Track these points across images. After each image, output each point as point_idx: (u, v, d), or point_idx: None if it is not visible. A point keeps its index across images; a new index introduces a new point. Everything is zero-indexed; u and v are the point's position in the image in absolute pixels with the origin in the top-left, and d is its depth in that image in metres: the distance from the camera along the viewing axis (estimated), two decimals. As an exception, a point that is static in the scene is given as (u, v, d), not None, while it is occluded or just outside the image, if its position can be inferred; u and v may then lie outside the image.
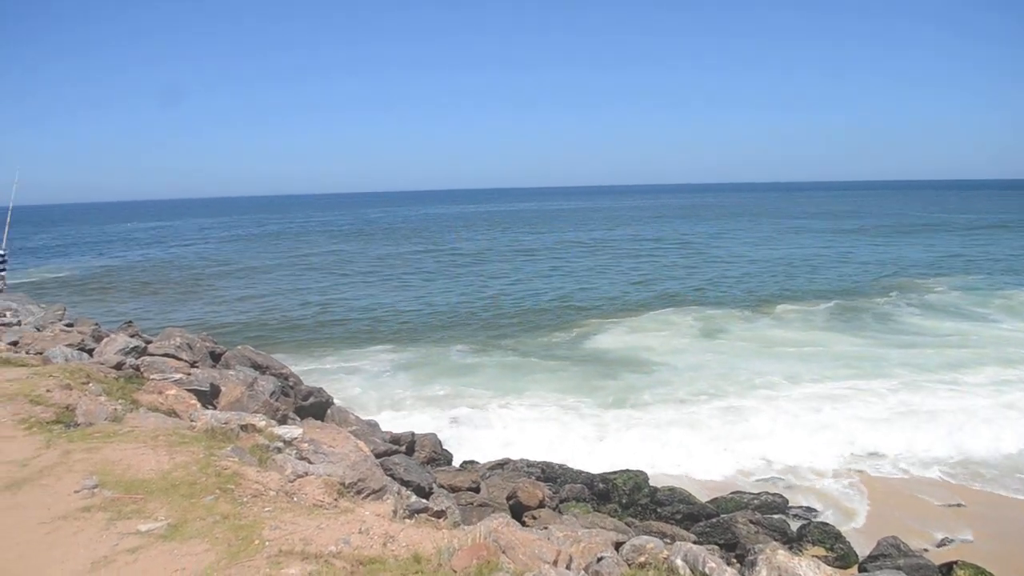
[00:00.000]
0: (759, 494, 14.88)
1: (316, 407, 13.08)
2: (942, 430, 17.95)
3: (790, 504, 14.74)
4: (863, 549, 12.72)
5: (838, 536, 13.09)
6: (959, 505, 14.76)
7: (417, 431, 17.96)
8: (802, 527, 13.51)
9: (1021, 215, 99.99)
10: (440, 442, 15.17)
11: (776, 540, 12.73)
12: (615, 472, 15.02)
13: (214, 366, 13.86)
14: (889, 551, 12.24)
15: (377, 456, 11.26)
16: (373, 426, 13.29)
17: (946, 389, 21.40)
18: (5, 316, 16.17)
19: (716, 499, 14.83)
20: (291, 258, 62.93)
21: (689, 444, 17.04)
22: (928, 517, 14.24)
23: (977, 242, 63.96)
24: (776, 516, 14.02)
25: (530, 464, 14.93)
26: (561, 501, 13.76)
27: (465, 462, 15.55)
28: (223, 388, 11.58)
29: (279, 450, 8.51)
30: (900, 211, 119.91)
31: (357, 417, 13.53)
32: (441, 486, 12.39)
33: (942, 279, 42.74)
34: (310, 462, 8.24)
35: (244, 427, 9.13)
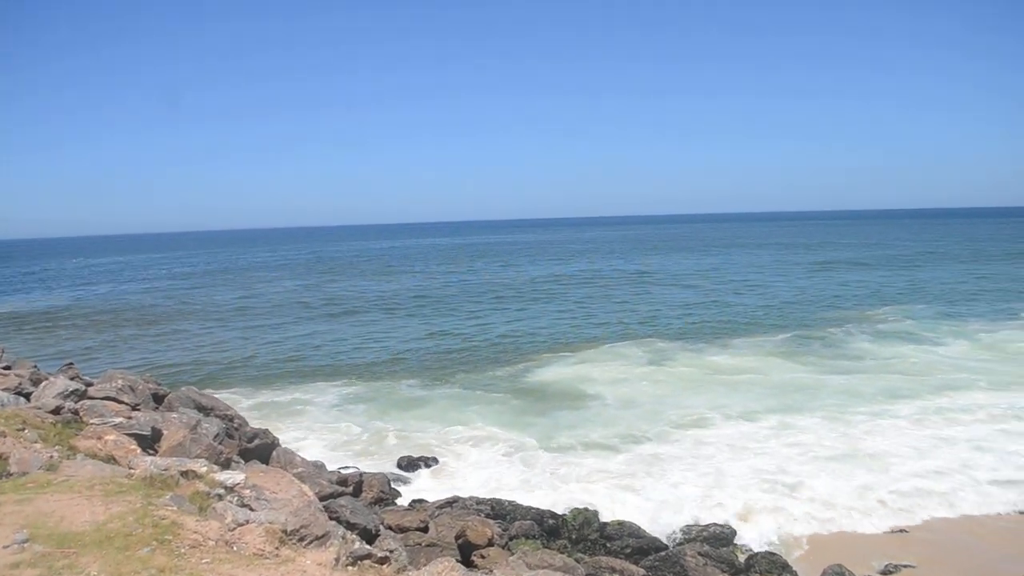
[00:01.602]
0: (708, 526, 14.99)
1: (261, 449, 12.91)
2: (874, 463, 18.19)
3: (738, 535, 14.85)
4: (809, 579, 12.89)
5: (785, 566, 13.27)
6: (902, 531, 15.05)
7: (367, 469, 17.86)
8: (749, 558, 13.66)
9: (990, 245, 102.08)
10: (388, 481, 15.03)
11: (724, 572, 12.86)
12: (565, 508, 15.04)
13: (157, 408, 13.61)
14: (834, 579, 12.43)
15: (323, 499, 11.14)
16: (319, 467, 13.15)
17: (877, 419, 21.81)
18: (-61, 359, 15.70)
19: (667, 532, 14.91)
20: (243, 294, 61.84)
21: (606, 493, 16.84)
22: (871, 545, 14.47)
23: (947, 272, 65.42)
24: (724, 548, 14.14)
25: (479, 501, 14.84)
26: (511, 538, 13.69)
27: (414, 501, 15.43)
28: (165, 432, 11.39)
29: (220, 497, 8.39)
30: (877, 241, 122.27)
31: (303, 459, 13.38)
32: (389, 527, 12.28)
33: (901, 307, 43.93)
34: (252, 509, 8.13)
35: (184, 473, 8.99)
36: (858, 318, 40.45)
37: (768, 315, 42.84)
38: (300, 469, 12.17)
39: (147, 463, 9.07)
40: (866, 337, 34.64)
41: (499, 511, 14.83)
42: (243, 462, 11.70)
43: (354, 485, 13.67)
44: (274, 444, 13.16)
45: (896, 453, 18.80)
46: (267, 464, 12.14)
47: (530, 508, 15.06)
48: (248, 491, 8.46)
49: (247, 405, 25.13)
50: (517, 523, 14.28)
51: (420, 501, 15.52)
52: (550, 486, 17.14)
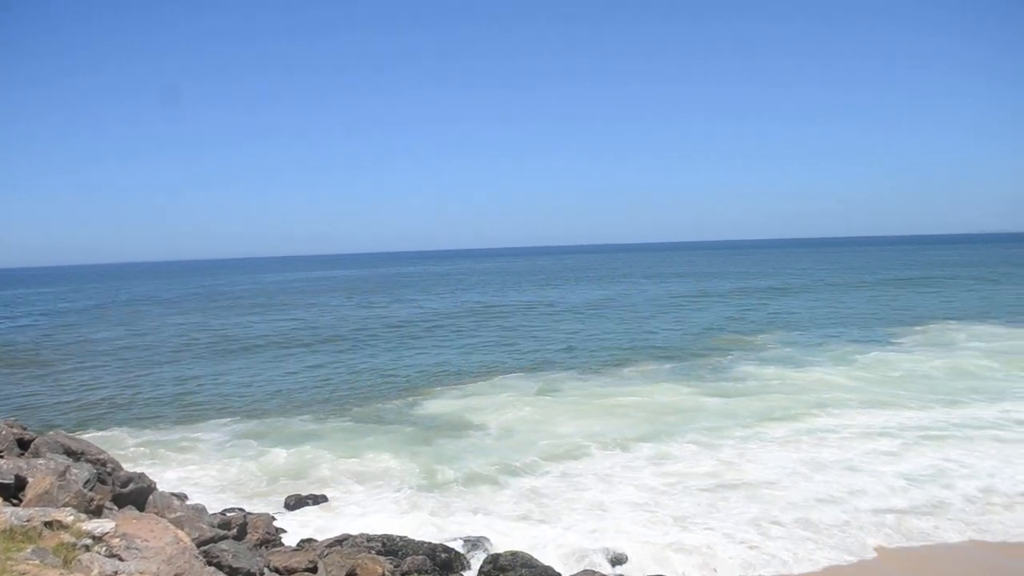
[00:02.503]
0: (599, 550, 15.13)
1: (136, 494, 12.34)
2: (755, 491, 18.39)
3: (628, 560, 15.04)
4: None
5: (675, 588, 13.52)
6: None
7: (256, 508, 17.33)
8: (641, 583, 13.88)
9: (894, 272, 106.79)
10: (275, 520, 14.60)
11: (615, 598, 12.99)
12: (457, 540, 14.98)
13: (22, 455, 12.85)
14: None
15: (203, 544, 10.74)
16: (200, 510, 12.66)
17: (751, 442, 22.51)
18: None
19: (560, 559, 14.98)
20: (126, 331, 58.79)
21: (499, 525, 16.73)
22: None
23: (823, 298, 68.63)
24: (618, 575, 14.33)
25: (370, 538, 14.58)
26: (403, 574, 13.52)
27: (302, 540, 15.04)
28: (30, 479, 10.74)
29: (87, 548, 7.98)
30: (774, 270, 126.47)
31: (182, 502, 12.87)
32: (275, 569, 11.93)
33: (783, 333, 45.98)
34: (121, 559, 7.77)
35: (48, 524, 8.51)
36: (742, 344, 42.01)
37: (659, 344, 43.86)
38: (178, 514, 11.69)
39: (7, 514, 8.55)
40: (749, 362, 35.87)
41: (391, 547, 14.61)
42: (116, 509, 11.15)
43: (238, 527, 13.23)
44: (150, 488, 12.59)
45: (775, 481, 19.05)
46: (143, 510, 11.61)
47: (423, 543, 14.91)
48: (118, 540, 8.07)
49: (131, 445, 24.15)
50: (409, 559, 14.11)
51: (309, 540, 15.13)
52: (442, 519, 16.99)
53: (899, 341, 41.71)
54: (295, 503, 18.16)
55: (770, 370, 33.48)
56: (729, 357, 37.64)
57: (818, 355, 37.27)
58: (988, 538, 15.66)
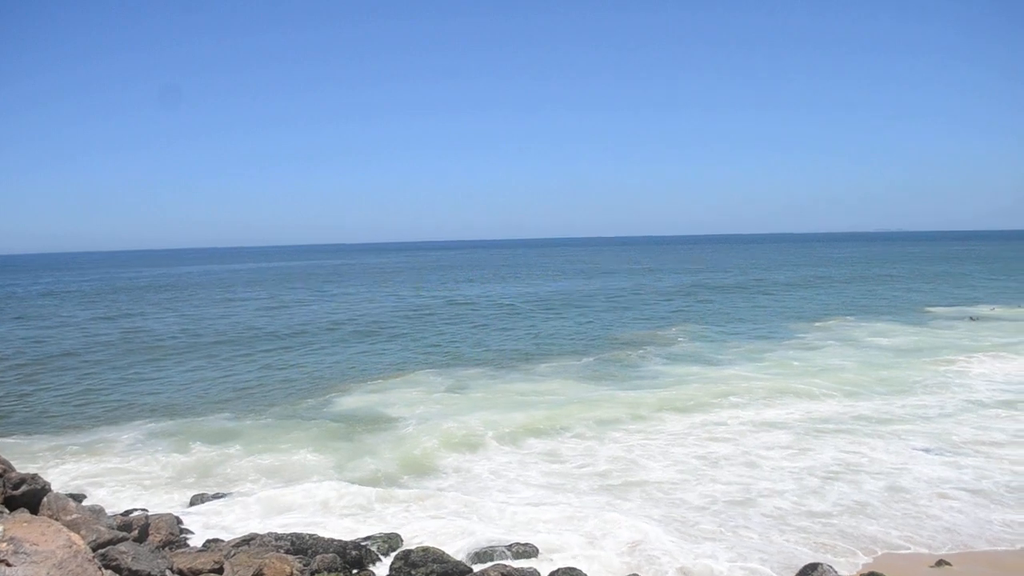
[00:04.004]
0: (510, 545, 15.29)
1: (29, 496, 11.85)
2: (654, 489, 18.70)
3: (539, 553, 15.21)
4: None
5: (585, 578, 13.75)
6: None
7: (164, 508, 16.92)
8: (551, 575, 14.04)
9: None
10: (179, 520, 14.27)
11: (526, 589, 13.14)
12: (368, 537, 14.93)
13: (-95, 458, 12.21)
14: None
15: (100, 546, 10.43)
16: (97, 512, 12.23)
17: (649, 436, 23.14)
18: None
19: (470, 554, 15.08)
20: (26, 330, 56.12)
21: (410, 520, 16.81)
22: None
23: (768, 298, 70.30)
24: (528, 568, 14.45)
25: (278, 537, 14.40)
26: (312, 573, 13.40)
27: (208, 541, 14.74)
28: (-86, 484, 10.24)
29: (-29, 554, 7.64)
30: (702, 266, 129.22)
31: (78, 504, 12.42)
32: (179, 571, 11.64)
33: (694, 328, 47.41)
34: (8, 564, 7.47)
35: (-69, 530, 8.12)
36: (654, 340, 43.02)
37: (573, 339, 44.66)
38: (74, 516, 11.29)
39: None
40: (659, 359, 36.78)
41: (299, 546, 14.47)
42: (7, 511, 10.72)
43: (139, 528, 12.88)
44: (44, 490, 12.11)
45: (676, 480, 19.28)
46: (36, 513, 11.19)
47: (332, 540, 14.81)
48: (5, 544, 7.75)
49: (36, 449, 23.12)
50: (319, 557, 14.00)
51: (215, 541, 14.84)
52: (353, 516, 16.94)
53: (803, 336, 43.25)
54: (201, 502, 17.79)
55: (678, 368, 34.30)
56: (640, 352, 38.37)
57: (723, 351, 38.44)
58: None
